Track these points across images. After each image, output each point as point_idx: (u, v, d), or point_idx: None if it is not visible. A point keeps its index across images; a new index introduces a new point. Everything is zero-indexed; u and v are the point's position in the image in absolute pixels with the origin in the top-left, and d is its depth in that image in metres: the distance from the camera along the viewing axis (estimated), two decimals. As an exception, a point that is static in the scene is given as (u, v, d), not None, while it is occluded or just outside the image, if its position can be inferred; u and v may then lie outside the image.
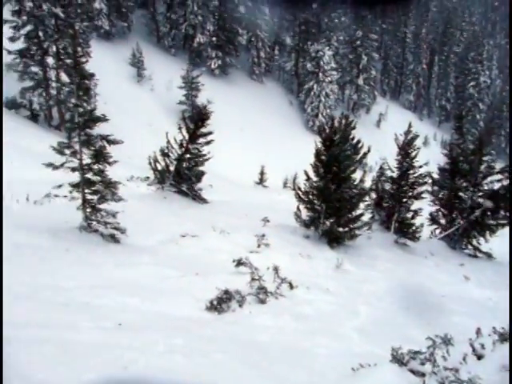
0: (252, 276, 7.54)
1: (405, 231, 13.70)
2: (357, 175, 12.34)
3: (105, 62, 31.29)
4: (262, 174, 26.24)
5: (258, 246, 10.19)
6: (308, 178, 12.38)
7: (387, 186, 14.64)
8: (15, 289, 5.91)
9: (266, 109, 40.49)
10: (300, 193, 12.43)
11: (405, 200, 14.09)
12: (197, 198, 14.96)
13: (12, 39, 23.59)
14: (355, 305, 8.09)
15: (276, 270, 8.08)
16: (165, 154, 14.28)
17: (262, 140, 35.11)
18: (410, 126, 14.22)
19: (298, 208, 12.44)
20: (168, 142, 14.22)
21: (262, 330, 6.14)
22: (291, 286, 7.98)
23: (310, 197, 12.22)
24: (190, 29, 40.51)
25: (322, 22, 45.70)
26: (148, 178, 16.36)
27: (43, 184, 13.01)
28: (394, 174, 14.32)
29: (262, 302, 7.17)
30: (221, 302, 6.45)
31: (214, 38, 40.24)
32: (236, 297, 6.75)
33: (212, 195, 15.94)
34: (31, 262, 7.20)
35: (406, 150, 13.96)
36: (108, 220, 8.89)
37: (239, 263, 8.06)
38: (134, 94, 33.14)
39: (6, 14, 23.84)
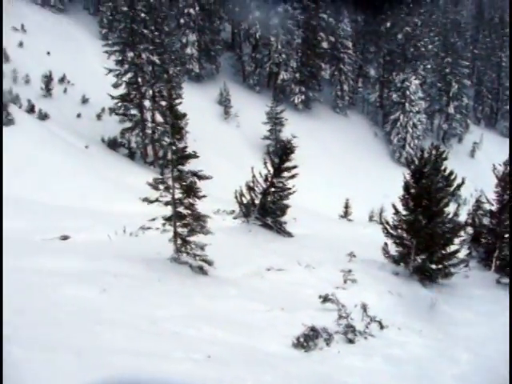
0: (339, 313, 7.28)
1: (508, 270, 12.44)
2: (450, 209, 11.59)
3: (194, 101, 33.37)
4: (346, 207, 25.70)
5: (345, 281, 9.88)
6: (396, 212, 11.86)
7: (485, 221, 13.54)
8: (113, 315, 6.31)
9: (350, 141, 40.08)
10: (388, 227, 11.93)
11: (507, 235, 12.88)
12: (281, 231, 15.02)
13: (115, 86, 26.23)
14: (454, 350, 7.41)
15: (364, 308, 7.73)
16: (250, 188, 14.63)
17: (346, 173, 34.64)
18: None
19: (386, 243, 11.92)
20: (253, 176, 14.59)
21: (352, 372, 5.85)
22: (381, 326, 7.56)
23: (399, 231, 11.67)
24: (274, 67, 41.94)
25: (407, 52, 44.76)
26: (233, 211, 16.83)
27: (138, 217, 13.96)
28: (493, 208, 13.22)
29: (351, 341, 6.87)
30: (307, 340, 6.29)
31: (297, 74, 41.18)
32: (323, 335, 6.55)
33: (296, 229, 15.90)
34: (128, 291, 7.65)
35: (507, 180, 12.88)
36: (197, 252, 9.23)
37: (325, 299, 7.85)
38: (221, 131, 34.77)
39: (111, 64, 26.65)
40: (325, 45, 42.79)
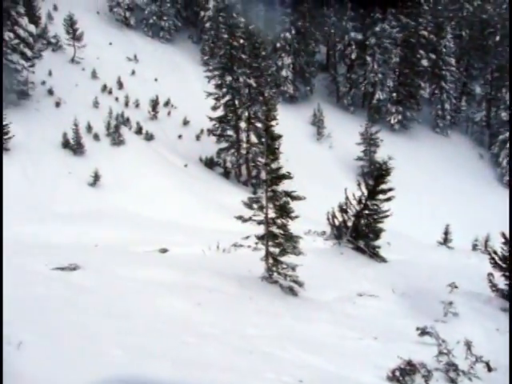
0: (439, 349, 6.72)
1: None
2: None
3: (288, 122, 33.85)
4: (446, 233, 23.91)
5: (445, 314, 9.13)
6: (506, 241, 10.77)
7: None
8: (206, 329, 6.49)
9: (451, 163, 37.56)
10: (496, 257, 10.85)
11: None
12: (374, 255, 14.42)
13: (214, 108, 27.66)
14: None
15: (468, 345, 7.04)
16: (343, 210, 14.32)
17: (446, 197, 32.41)
18: None
19: (493, 274, 10.83)
20: (346, 197, 14.27)
21: (453, 415, 5.33)
22: (489, 368, 6.82)
23: (509, 263, 10.55)
24: (370, 87, 41.14)
25: (519, 67, 41.14)
26: (325, 232, 16.57)
27: (231, 234, 14.37)
28: None
29: (453, 381, 6.28)
30: (404, 374, 5.88)
31: (393, 94, 39.94)
32: (421, 370, 6.07)
33: (390, 254, 15.15)
34: (221, 306, 7.86)
35: None
36: (288, 272, 9.21)
37: (424, 332, 7.31)
38: (314, 152, 34.74)
39: (210, 88, 28.16)
40: (424, 62, 41.05)
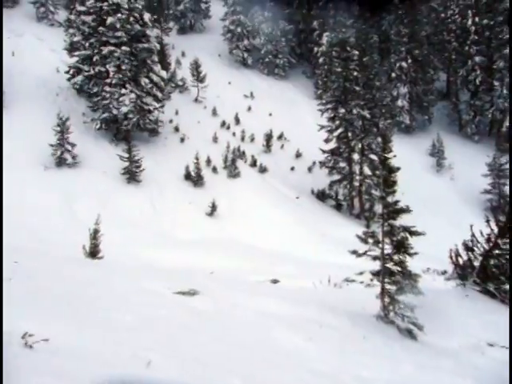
0: None
1: None
2: None
3: (404, 153, 32.42)
4: None
5: None
6: None
7: None
8: (319, 365, 6.32)
9: None
10: None
11: None
12: (506, 301, 12.79)
13: (326, 141, 27.79)
14: None
15: None
16: (468, 248, 13.06)
17: None
18: None
19: None
20: (472, 234, 13.02)
21: None
22: None
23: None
24: (498, 113, 37.76)
25: None
26: (446, 271, 15.26)
27: (342, 268, 14.01)
28: None
29: None
30: None
31: (526, 121, 36.07)
32: None
33: (527, 300, 13.32)
34: (333, 343, 7.61)
35: None
36: (405, 313, 8.61)
37: None
38: (433, 184, 32.65)
39: (323, 121, 28.37)
40: None
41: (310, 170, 30.38)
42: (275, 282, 13.62)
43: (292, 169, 30.28)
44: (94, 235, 13.27)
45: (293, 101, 39.85)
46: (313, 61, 43.28)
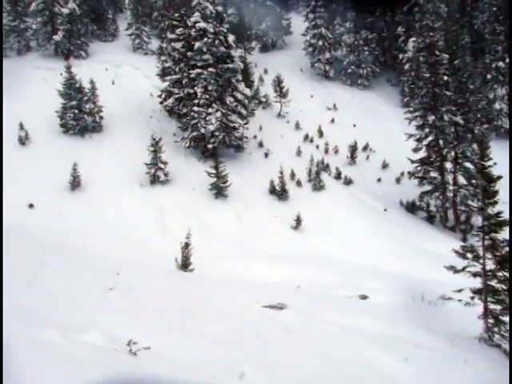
0: None
1: None
2: None
3: (504, 161, 29.86)
4: None
5: None
6: None
7: None
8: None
9: None
10: None
11: None
12: None
13: (415, 150, 26.53)
14: None
15: None
16: None
17: None
18: None
19: None
20: None
21: None
22: None
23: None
24: None
25: None
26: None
27: (435, 284, 13.14)
28: None
29: None
30: None
31: None
32: None
33: None
34: (429, 365, 7.16)
35: None
36: (513, 336, 7.83)
37: None
38: (539, 193, 29.51)
39: (411, 130, 27.10)
40: None
41: (398, 180, 29.13)
42: (364, 297, 13.16)
43: (378, 180, 29.27)
44: (186, 248, 13.92)
45: (377, 110, 38.71)
46: (398, 68, 41.85)
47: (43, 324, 4.51)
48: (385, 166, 30.45)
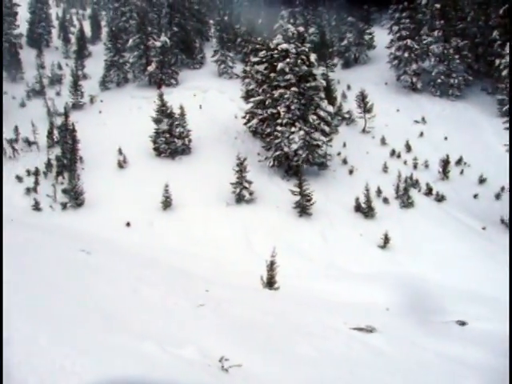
0: None
1: None
2: None
3: None
4: None
5: None
6: None
7: None
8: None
9: None
10: None
11: None
12: None
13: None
14: None
15: None
16: None
17: None
18: None
19: None
20: None
21: None
22: None
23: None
24: None
25: None
26: None
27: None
28: None
29: None
30: None
31: None
32: None
33: None
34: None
35: None
36: None
37: None
38: None
39: None
40: None
41: (497, 196, 26.75)
42: (463, 323, 12.21)
43: (475, 196, 27.14)
44: (271, 267, 14.03)
45: (471, 121, 36.16)
46: (494, 75, 38.89)
47: (143, 337, 4.82)
48: (482, 180, 28.24)
